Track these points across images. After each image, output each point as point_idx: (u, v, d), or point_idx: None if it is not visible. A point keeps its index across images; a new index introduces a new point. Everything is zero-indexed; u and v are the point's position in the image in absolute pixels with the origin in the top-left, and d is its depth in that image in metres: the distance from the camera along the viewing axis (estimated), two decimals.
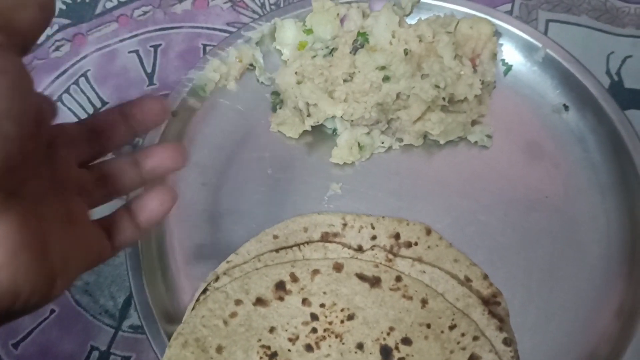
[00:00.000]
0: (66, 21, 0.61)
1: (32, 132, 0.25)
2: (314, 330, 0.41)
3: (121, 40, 0.60)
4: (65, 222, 0.31)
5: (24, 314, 0.28)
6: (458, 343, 0.41)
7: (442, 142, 0.50)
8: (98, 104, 0.57)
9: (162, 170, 0.40)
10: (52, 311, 0.48)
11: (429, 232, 0.46)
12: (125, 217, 0.38)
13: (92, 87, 0.57)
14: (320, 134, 0.52)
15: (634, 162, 0.47)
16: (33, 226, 0.27)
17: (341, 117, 0.49)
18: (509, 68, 0.54)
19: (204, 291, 0.43)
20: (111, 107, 0.40)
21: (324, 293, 0.42)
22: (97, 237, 0.35)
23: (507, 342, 0.41)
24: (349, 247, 0.44)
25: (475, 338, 0.40)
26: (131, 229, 0.38)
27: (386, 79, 0.48)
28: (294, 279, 0.43)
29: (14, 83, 0.23)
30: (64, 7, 0.62)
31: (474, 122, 0.51)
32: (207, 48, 0.58)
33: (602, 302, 0.44)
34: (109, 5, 0.62)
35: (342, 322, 0.42)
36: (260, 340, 0.41)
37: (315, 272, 0.43)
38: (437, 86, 0.47)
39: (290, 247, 0.44)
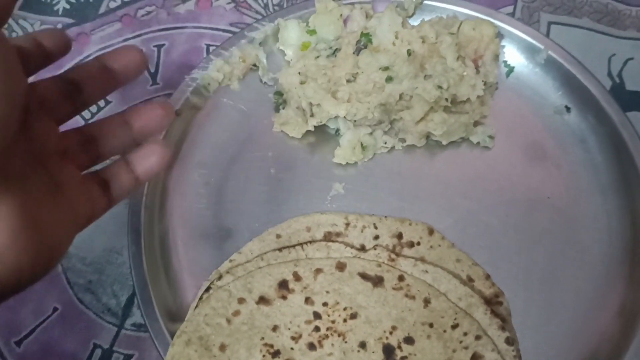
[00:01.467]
0: (70, 20, 0.62)
1: (22, 113, 0.25)
2: (317, 328, 0.41)
3: (124, 40, 0.60)
4: (51, 192, 0.31)
5: (25, 289, 0.28)
6: (460, 342, 0.41)
7: (444, 142, 0.50)
8: (101, 103, 0.57)
9: (152, 128, 0.41)
10: (55, 309, 0.48)
11: (431, 232, 0.46)
12: (123, 169, 0.38)
13: None
14: (323, 134, 0.52)
15: (635, 163, 0.48)
16: (25, 203, 0.27)
17: (344, 117, 0.49)
18: (511, 69, 0.54)
19: (207, 289, 0.43)
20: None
21: (327, 292, 0.42)
22: (88, 195, 0.35)
23: (510, 341, 0.41)
24: (352, 247, 0.45)
25: (477, 337, 0.41)
26: (129, 181, 0.38)
27: (389, 79, 0.48)
28: (297, 278, 0.43)
29: (4, 64, 0.23)
30: (67, 6, 0.62)
31: (476, 123, 0.51)
32: (210, 48, 0.58)
33: (604, 301, 0.45)
34: (112, 5, 0.62)
35: (344, 321, 0.42)
36: (263, 338, 0.41)
37: (318, 271, 0.43)
38: (439, 87, 0.47)
39: (293, 246, 0.45)
